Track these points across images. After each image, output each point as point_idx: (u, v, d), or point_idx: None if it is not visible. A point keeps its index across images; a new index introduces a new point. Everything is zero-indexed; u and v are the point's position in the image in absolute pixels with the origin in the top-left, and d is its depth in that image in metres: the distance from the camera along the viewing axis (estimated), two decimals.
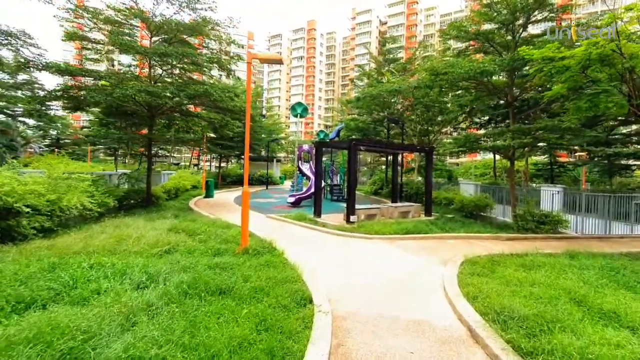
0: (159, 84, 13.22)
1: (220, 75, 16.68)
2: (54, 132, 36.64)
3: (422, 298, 5.00)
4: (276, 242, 7.54)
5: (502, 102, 15.85)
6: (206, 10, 13.48)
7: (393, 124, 21.12)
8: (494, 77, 12.07)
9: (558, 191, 11.92)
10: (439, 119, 20.23)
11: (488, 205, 13.21)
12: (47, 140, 37.72)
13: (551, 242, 9.62)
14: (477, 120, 20.17)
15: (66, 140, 38.01)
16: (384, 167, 28.70)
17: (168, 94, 11.44)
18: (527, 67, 11.64)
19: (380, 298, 4.93)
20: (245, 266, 5.56)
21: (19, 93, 26.65)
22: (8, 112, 28.03)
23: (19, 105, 26.02)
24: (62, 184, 8.22)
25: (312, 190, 14.67)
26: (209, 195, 19.96)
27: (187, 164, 49.71)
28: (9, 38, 13.27)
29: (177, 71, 13.62)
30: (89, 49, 13.93)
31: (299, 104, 18.49)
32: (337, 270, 6.25)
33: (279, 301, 4.22)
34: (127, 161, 36.52)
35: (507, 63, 10.42)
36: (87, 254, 5.98)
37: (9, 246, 6.11)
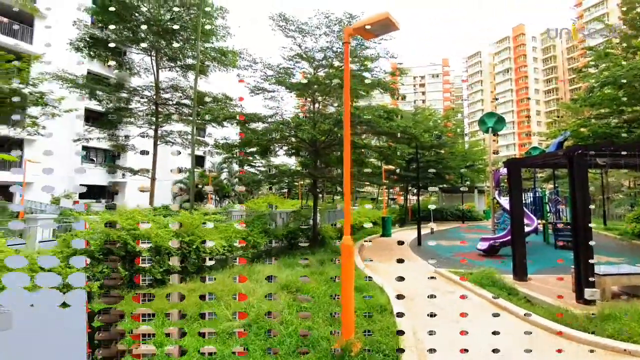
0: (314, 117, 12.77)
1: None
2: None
3: None
4: (409, 343, 4.27)
5: None
6: None
7: None
8: None
9: None
10: None
11: None
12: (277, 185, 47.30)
13: None
14: None
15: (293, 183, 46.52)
16: None
17: (307, 125, 10.53)
18: None
19: None
20: None
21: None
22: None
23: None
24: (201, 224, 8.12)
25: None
26: (385, 234, 17.72)
27: (382, 198, 50.28)
28: (219, 102, 16.46)
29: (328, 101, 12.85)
30: (268, 99, 15.48)
31: (490, 114, 13.83)
32: None
33: None
34: (334, 198, 40.27)
35: None
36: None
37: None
